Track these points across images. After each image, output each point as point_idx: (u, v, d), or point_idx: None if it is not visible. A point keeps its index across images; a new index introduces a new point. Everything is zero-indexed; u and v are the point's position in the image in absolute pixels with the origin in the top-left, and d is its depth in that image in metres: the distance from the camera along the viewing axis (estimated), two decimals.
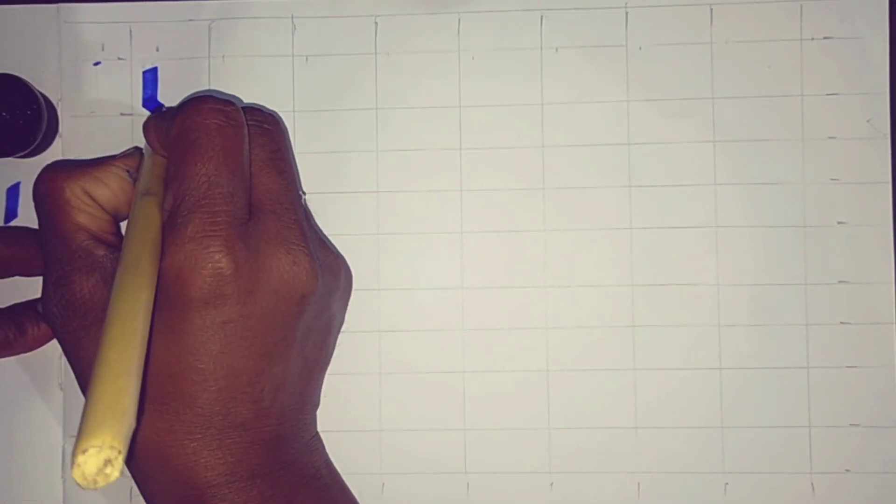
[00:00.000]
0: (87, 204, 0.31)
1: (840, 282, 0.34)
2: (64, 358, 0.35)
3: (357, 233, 0.35)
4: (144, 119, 0.32)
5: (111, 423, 0.23)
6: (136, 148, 0.34)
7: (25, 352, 0.34)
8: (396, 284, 0.35)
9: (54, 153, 0.36)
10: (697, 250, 0.35)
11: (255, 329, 0.29)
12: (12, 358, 0.34)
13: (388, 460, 0.35)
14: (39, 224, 0.31)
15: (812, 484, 0.34)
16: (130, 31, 0.36)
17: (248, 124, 0.30)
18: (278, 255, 0.29)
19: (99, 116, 0.36)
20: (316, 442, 0.33)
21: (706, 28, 0.35)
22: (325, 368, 0.34)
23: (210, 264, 0.28)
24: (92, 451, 0.22)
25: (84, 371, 0.30)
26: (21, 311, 0.34)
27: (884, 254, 0.34)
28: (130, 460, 0.29)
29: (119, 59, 0.36)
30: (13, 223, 0.36)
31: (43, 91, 0.35)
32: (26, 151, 0.34)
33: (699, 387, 0.35)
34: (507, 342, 0.35)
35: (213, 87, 0.36)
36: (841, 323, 0.34)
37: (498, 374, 0.35)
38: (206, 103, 0.29)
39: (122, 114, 0.36)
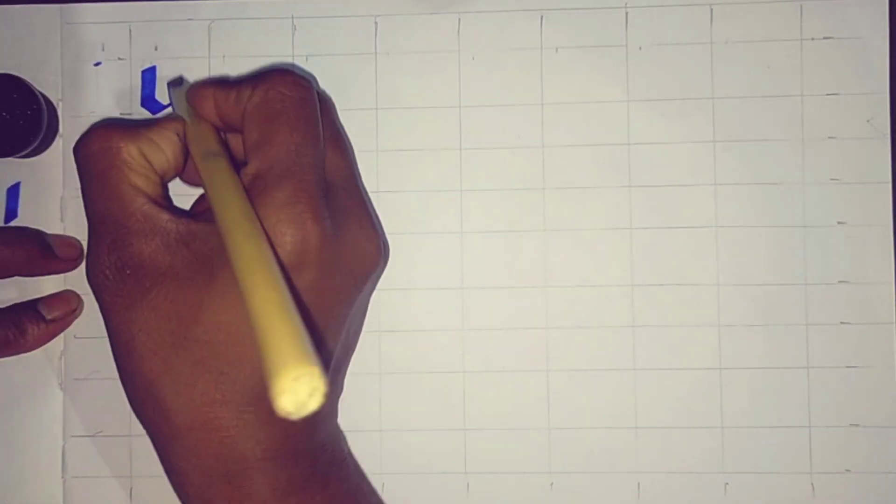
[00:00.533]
0: (144, 166, 0.30)
1: (840, 282, 0.34)
2: (64, 357, 0.35)
3: None
4: (190, 88, 0.32)
5: (309, 352, 0.23)
6: (172, 113, 0.34)
7: (25, 352, 0.34)
8: (396, 284, 0.35)
9: (54, 153, 0.36)
10: (697, 250, 0.35)
11: (326, 300, 0.29)
12: (12, 358, 0.34)
13: (388, 460, 0.35)
14: (87, 185, 0.30)
15: (812, 484, 0.34)
16: (130, 31, 0.36)
17: None
18: (354, 229, 0.30)
19: (99, 116, 0.36)
20: (339, 429, 0.33)
21: (706, 28, 0.35)
22: (354, 349, 0.34)
23: (301, 231, 0.27)
24: (305, 378, 0.22)
25: (134, 338, 0.28)
26: (21, 311, 0.34)
27: (884, 254, 0.34)
28: (169, 434, 0.29)
29: (119, 59, 0.36)
30: (13, 223, 0.36)
31: (43, 91, 0.35)
32: (26, 151, 0.34)
33: (699, 387, 0.35)
34: (507, 342, 0.35)
35: None
36: (841, 323, 0.34)
37: (498, 374, 0.35)
38: (289, 76, 0.30)
39: (122, 113, 0.36)
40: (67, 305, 0.35)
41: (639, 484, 0.35)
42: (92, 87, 0.36)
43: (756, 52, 0.35)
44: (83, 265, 0.35)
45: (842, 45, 0.35)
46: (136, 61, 0.36)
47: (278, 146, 0.29)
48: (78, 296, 0.35)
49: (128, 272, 0.28)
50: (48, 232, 0.35)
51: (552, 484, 0.35)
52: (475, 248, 0.35)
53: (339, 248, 0.29)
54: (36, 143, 0.34)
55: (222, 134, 0.32)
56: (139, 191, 0.29)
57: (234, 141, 0.32)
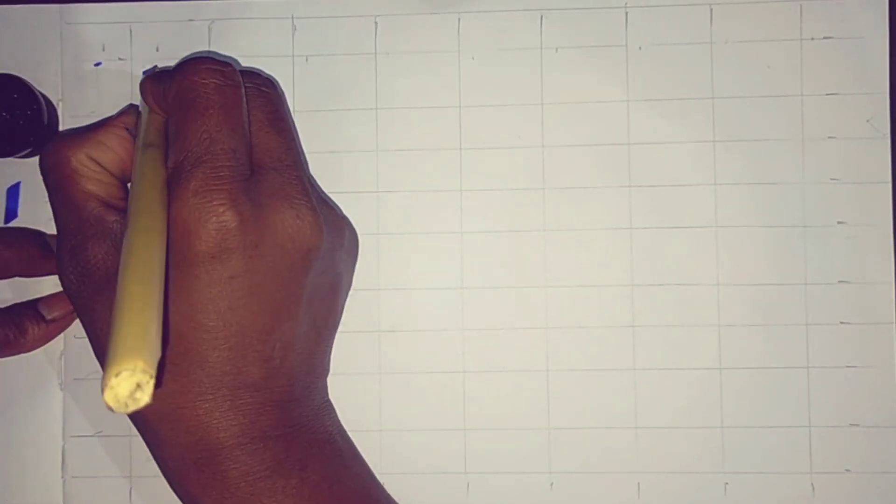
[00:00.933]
0: (94, 170, 0.31)
1: (840, 282, 0.34)
2: (64, 357, 0.35)
3: (357, 232, 0.35)
4: (142, 80, 0.33)
5: (142, 348, 0.23)
6: (132, 105, 0.34)
7: (25, 351, 0.34)
8: (396, 284, 0.35)
9: None
10: (697, 250, 0.35)
11: (263, 284, 0.29)
12: (12, 358, 0.34)
13: (388, 460, 0.35)
14: (50, 197, 0.31)
15: (812, 484, 0.34)
16: (131, 32, 0.36)
17: (245, 87, 0.31)
18: (282, 209, 0.29)
19: (99, 116, 0.36)
20: (328, 408, 0.33)
21: (706, 28, 0.35)
22: (334, 332, 0.34)
23: (214, 217, 0.28)
24: (125, 374, 0.23)
25: (98, 336, 0.30)
26: (21, 311, 0.34)
27: (884, 254, 0.34)
28: (143, 424, 0.30)
29: (119, 59, 0.36)
30: (13, 223, 0.36)
31: (43, 91, 0.35)
32: (26, 151, 0.34)
33: (699, 387, 0.35)
34: (507, 342, 0.35)
35: None
36: (841, 323, 0.34)
37: (498, 374, 0.35)
38: (203, 63, 0.30)
39: None
40: (67, 305, 0.35)
41: (639, 484, 0.35)
42: (92, 87, 0.36)
43: (756, 52, 0.35)
44: None
45: (842, 45, 0.35)
46: (137, 61, 0.36)
47: (190, 136, 0.29)
48: None
49: (86, 275, 0.30)
50: (48, 232, 0.35)
51: (552, 484, 0.35)
52: (475, 248, 0.35)
53: (265, 228, 0.29)
54: (36, 143, 0.34)
55: None
56: (90, 195, 0.30)
57: None
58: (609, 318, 0.35)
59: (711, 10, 0.35)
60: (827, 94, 0.35)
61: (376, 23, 0.36)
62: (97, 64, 0.36)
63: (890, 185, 0.34)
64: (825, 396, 0.34)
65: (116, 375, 0.23)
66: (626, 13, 0.35)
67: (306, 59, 0.36)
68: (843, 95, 0.35)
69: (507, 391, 0.35)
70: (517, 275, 0.35)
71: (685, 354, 0.35)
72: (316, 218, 0.30)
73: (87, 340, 0.35)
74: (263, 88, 0.31)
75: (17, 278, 0.34)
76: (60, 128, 0.36)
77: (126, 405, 0.23)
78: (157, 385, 0.24)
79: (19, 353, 0.34)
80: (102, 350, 0.30)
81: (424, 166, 0.35)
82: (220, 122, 0.29)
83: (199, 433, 0.29)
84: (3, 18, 0.36)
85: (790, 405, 0.34)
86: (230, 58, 0.35)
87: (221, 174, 0.28)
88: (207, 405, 0.29)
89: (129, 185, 0.32)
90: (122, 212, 0.30)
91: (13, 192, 0.36)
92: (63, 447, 0.35)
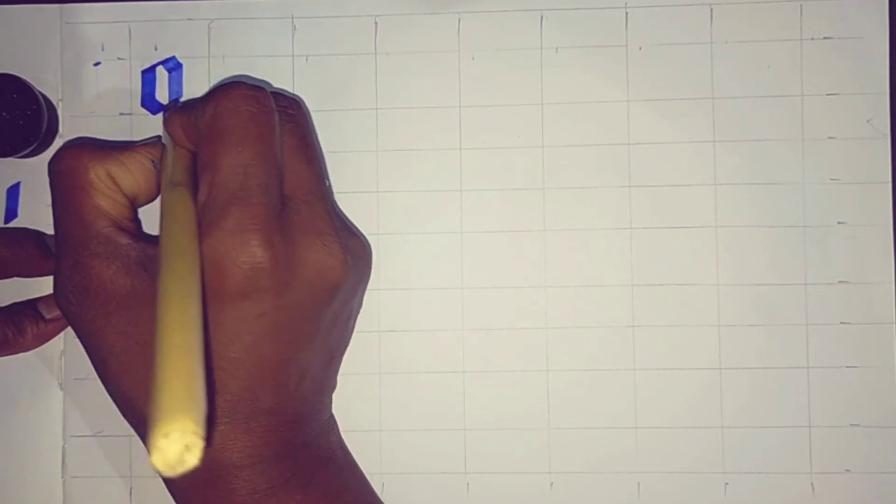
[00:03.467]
0: (111, 188, 0.30)
1: (840, 282, 0.34)
2: (64, 357, 0.35)
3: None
4: (166, 113, 0.32)
5: (190, 406, 0.22)
6: (158, 137, 0.33)
7: (24, 351, 0.34)
8: (396, 284, 0.35)
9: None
10: (697, 250, 0.35)
11: (288, 320, 0.29)
12: (12, 358, 0.34)
13: (388, 460, 0.35)
14: (54, 202, 0.30)
15: (812, 484, 0.34)
16: (130, 31, 0.36)
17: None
18: (314, 246, 0.29)
19: (99, 116, 0.36)
20: (331, 423, 0.33)
21: (706, 28, 0.35)
22: (344, 352, 0.34)
23: (249, 258, 0.27)
24: (175, 434, 0.22)
25: (106, 359, 0.29)
26: (20, 310, 0.34)
27: (884, 254, 0.34)
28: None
29: (119, 58, 0.36)
30: (13, 223, 0.36)
31: (43, 91, 0.35)
32: (26, 151, 0.34)
33: (699, 387, 0.35)
34: (507, 342, 0.35)
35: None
36: (841, 323, 0.34)
37: (498, 374, 0.35)
38: (237, 89, 0.29)
39: (121, 113, 0.36)
40: None
41: (639, 484, 0.35)
42: (92, 87, 0.36)
43: (756, 52, 0.35)
44: None
45: (842, 45, 0.35)
46: (136, 61, 0.36)
47: (224, 170, 0.28)
48: None
49: (90, 295, 0.29)
50: (48, 232, 0.35)
51: (552, 484, 0.35)
52: (475, 248, 0.35)
53: (297, 267, 0.28)
54: (36, 143, 0.34)
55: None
56: (102, 213, 0.30)
57: None
58: (609, 318, 0.35)
59: (711, 10, 0.35)
60: (827, 94, 0.35)
61: (376, 23, 0.36)
62: (97, 64, 0.36)
63: (890, 185, 0.34)
64: (825, 396, 0.34)
65: (166, 436, 0.22)
66: (626, 13, 0.35)
67: (306, 59, 0.36)
68: (843, 95, 0.35)
69: (507, 391, 0.35)
70: (517, 275, 0.35)
71: (685, 354, 0.35)
72: (345, 256, 0.30)
73: None
74: (290, 111, 0.31)
75: (16, 278, 0.34)
76: (60, 128, 0.36)
77: (174, 468, 0.22)
78: (207, 444, 0.23)
79: (18, 352, 0.34)
80: (110, 376, 0.29)
81: (424, 166, 0.35)
82: (255, 155, 0.28)
83: (213, 455, 0.28)
84: (3, 18, 0.36)
85: (790, 405, 0.34)
86: (264, 82, 0.35)
87: (256, 211, 0.28)
88: (223, 428, 0.29)
89: (139, 207, 0.32)
90: (134, 235, 0.30)
91: (13, 192, 0.36)
92: (63, 447, 0.35)
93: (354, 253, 0.31)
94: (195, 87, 0.35)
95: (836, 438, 0.34)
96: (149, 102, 0.36)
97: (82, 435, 0.35)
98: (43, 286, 0.35)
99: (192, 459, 0.22)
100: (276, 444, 0.29)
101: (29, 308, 0.34)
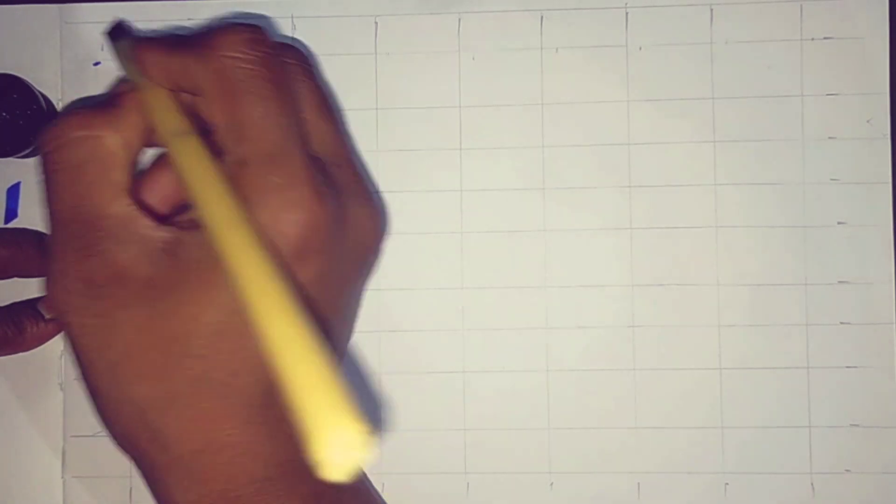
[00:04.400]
0: (126, 158, 0.26)
1: (840, 282, 0.34)
2: (64, 357, 0.35)
3: None
4: (137, 45, 0.28)
5: (354, 412, 0.21)
6: (124, 80, 0.29)
7: (24, 350, 0.34)
8: (396, 284, 0.35)
9: None
10: (697, 250, 0.35)
11: (330, 290, 0.26)
12: (12, 358, 0.34)
13: (389, 460, 0.35)
14: (53, 179, 0.26)
15: (812, 484, 0.34)
16: None
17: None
18: (355, 205, 0.27)
19: None
20: None
21: (706, 28, 0.35)
22: (351, 336, 0.32)
23: (305, 215, 0.24)
24: (349, 441, 0.21)
25: (117, 363, 0.25)
26: (20, 310, 0.34)
27: (884, 254, 0.34)
28: (167, 462, 0.26)
29: None
30: (13, 223, 0.36)
31: (43, 91, 0.35)
32: (26, 151, 0.34)
33: (699, 387, 0.35)
34: (507, 342, 0.35)
35: None
36: (841, 323, 0.34)
37: (498, 374, 0.35)
38: (239, 34, 0.25)
39: None
40: None
41: (639, 484, 0.35)
42: (92, 87, 0.36)
43: (756, 52, 0.35)
44: None
45: (842, 45, 0.35)
46: None
47: (255, 125, 0.25)
48: None
49: (100, 287, 0.25)
50: (48, 233, 0.35)
51: (552, 484, 0.35)
52: (475, 248, 0.35)
53: (343, 230, 0.26)
54: (36, 143, 0.34)
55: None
56: (120, 188, 0.26)
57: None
58: (609, 318, 0.35)
59: (711, 10, 0.35)
60: (827, 94, 0.35)
61: (376, 23, 0.36)
62: (96, 63, 0.36)
63: (890, 185, 0.34)
64: (825, 396, 0.34)
65: (342, 443, 0.20)
66: (626, 13, 0.35)
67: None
68: (843, 95, 0.35)
69: (507, 391, 0.35)
70: (517, 275, 0.35)
71: (685, 354, 0.35)
72: (381, 218, 0.28)
73: None
74: (301, 64, 0.27)
75: (16, 278, 0.34)
76: None
77: (347, 469, 0.21)
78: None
79: (17, 351, 0.34)
80: (117, 385, 0.25)
81: (424, 166, 0.35)
82: (281, 105, 0.25)
83: (243, 464, 0.26)
84: (3, 18, 0.36)
85: (790, 405, 0.34)
86: (260, 16, 0.33)
87: (302, 165, 0.25)
88: (255, 427, 0.26)
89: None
90: (153, 215, 0.26)
91: (13, 192, 0.36)
92: (63, 447, 0.35)
93: (385, 214, 0.29)
94: None
95: (836, 438, 0.34)
96: None
97: (82, 435, 0.35)
98: (43, 286, 0.35)
99: (357, 460, 0.21)
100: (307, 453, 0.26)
101: (29, 308, 0.34)
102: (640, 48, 0.35)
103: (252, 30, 0.26)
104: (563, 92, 0.35)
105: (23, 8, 0.36)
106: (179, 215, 0.28)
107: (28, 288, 0.35)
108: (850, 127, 0.35)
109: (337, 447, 0.20)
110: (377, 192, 0.33)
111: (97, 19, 0.36)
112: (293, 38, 0.33)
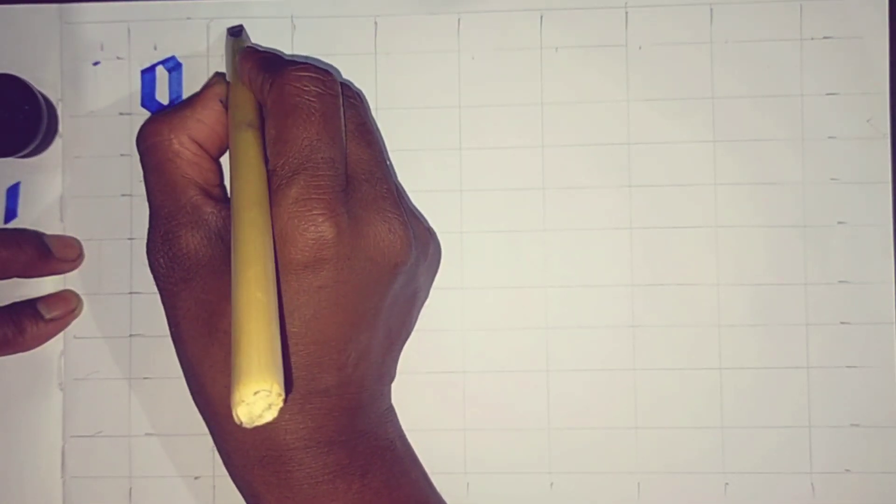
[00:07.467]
0: (195, 153, 0.31)
1: (840, 282, 0.34)
2: (64, 357, 0.35)
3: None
4: (238, 45, 0.33)
5: (273, 368, 0.24)
6: (219, 74, 0.34)
7: (24, 350, 0.34)
8: None
9: (54, 153, 0.36)
10: (697, 250, 0.35)
11: (348, 296, 0.29)
12: (12, 358, 0.34)
13: None
14: (146, 178, 0.31)
15: (812, 484, 0.34)
16: (129, 31, 0.36)
17: None
18: (375, 222, 0.29)
19: (98, 116, 0.36)
20: (390, 413, 0.33)
21: (706, 28, 0.35)
22: (406, 340, 0.34)
23: (312, 227, 0.28)
24: (262, 394, 0.24)
25: (180, 324, 0.30)
26: (20, 310, 0.34)
27: (884, 254, 0.34)
28: (212, 417, 0.30)
29: (118, 58, 0.36)
30: (13, 223, 0.36)
31: (43, 91, 0.35)
32: (26, 151, 0.34)
33: (699, 387, 0.35)
34: (507, 342, 0.35)
35: None
36: (841, 323, 0.34)
37: (498, 374, 0.35)
38: (306, 71, 0.30)
39: (121, 113, 0.36)
40: (67, 305, 0.35)
41: (639, 484, 0.35)
42: (91, 87, 0.36)
43: (756, 52, 0.35)
44: (82, 265, 0.35)
45: (842, 45, 0.35)
46: (135, 61, 0.36)
47: (292, 142, 0.29)
48: (77, 296, 0.35)
49: (176, 262, 0.30)
50: (48, 232, 0.35)
51: (552, 484, 0.35)
52: (475, 248, 0.35)
53: (359, 241, 0.29)
54: (36, 143, 0.34)
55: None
56: (190, 182, 0.31)
57: None
58: (609, 318, 0.35)
59: (711, 10, 0.35)
60: (827, 94, 0.35)
61: (376, 23, 0.36)
62: (96, 63, 0.36)
63: (890, 185, 0.34)
64: (825, 396, 0.34)
65: (255, 394, 0.23)
66: (626, 13, 0.35)
67: (306, 59, 0.35)
68: (843, 95, 0.35)
69: (507, 391, 0.35)
70: (517, 275, 0.35)
71: (685, 354, 0.35)
72: (407, 233, 0.30)
73: (87, 340, 0.35)
74: (353, 101, 0.31)
75: (16, 278, 0.34)
76: (60, 128, 0.36)
77: (253, 421, 0.24)
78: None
79: (17, 351, 0.34)
80: (181, 343, 0.30)
81: (424, 166, 0.35)
82: (321, 131, 0.29)
83: (266, 433, 0.29)
84: (3, 18, 0.36)
85: (790, 405, 0.34)
86: (330, 66, 0.35)
87: (321, 183, 0.28)
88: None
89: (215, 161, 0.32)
90: (219, 201, 0.31)
91: (13, 193, 0.36)
92: (63, 447, 0.35)
93: (416, 234, 0.31)
94: (195, 86, 0.35)
95: (836, 438, 0.34)
96: (148, 102, 0.36)
97: (82, 435, 0.35)
98: (43, 286, 0.35)
99: (269, 416, 0.24)
100: (331, 428, 0.29)
101: (29, 308, 0.34)
102: (640, 48, 0.35)
103: (321, 72, 0.30)
104: (563, 91, 0.35)
105: (23, 8, 0.36)
106: None
107: (28, 288, 0.35)
108: (849, 127, 0.35)
109: (251, 399, 0.23)
110: (416, 214, 0.34)
111: (97, 19, 0.36)
112: (349, 81, 0.35)
